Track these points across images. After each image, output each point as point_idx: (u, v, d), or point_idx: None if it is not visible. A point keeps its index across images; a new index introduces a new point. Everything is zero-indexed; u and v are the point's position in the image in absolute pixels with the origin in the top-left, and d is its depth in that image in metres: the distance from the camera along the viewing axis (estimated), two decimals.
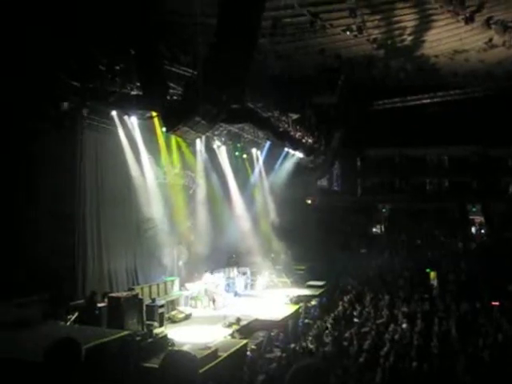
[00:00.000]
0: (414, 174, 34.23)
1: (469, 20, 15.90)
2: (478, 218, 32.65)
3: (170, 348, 12.90)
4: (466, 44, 18.55)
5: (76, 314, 13.82)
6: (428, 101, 26.28)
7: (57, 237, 13.66)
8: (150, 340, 13.39)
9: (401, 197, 32.97)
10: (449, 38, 18.19)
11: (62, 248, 14.26)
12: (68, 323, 13.48)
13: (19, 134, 12.56)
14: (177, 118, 14.59)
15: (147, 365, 11.95)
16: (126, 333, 12.71)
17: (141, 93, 14.59)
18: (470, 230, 32.17)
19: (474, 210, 32.66)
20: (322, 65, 21.25)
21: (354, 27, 16.85)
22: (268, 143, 25.01)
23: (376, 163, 34.77)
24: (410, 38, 18.48)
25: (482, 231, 31.92)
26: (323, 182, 33.75)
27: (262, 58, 17.30)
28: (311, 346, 14.46)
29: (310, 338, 15.36)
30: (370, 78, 23.19)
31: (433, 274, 25.00)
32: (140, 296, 16.03)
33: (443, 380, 10.84)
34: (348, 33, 17.12)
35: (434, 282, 24.49)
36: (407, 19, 16.85)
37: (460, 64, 20.81)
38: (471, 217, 32.82)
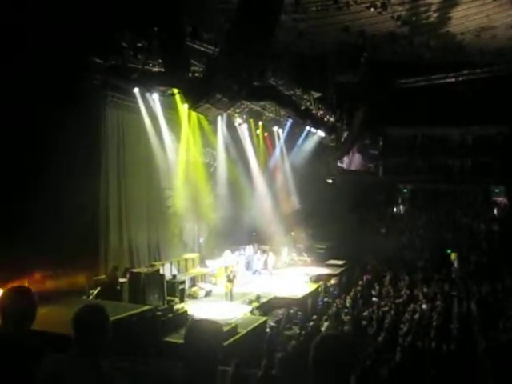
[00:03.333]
0: (437, 154, 33.85)
1: None
2: (501, 200, 32.25)
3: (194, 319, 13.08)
4: (494, 21, 18.13)
5: (98, 289, 14.05)
6: (453, 79, 25.85)
7: (80, 212, 13.80)
8: (170, 315, 13.56)
9: (422, 177, 32.67)
10: (476, 15, 17.78)
11: (85, 223, 14.42)
12: (90, 298, 13.71)
13: (42, 110, 12.62)
14: (198, 94, 14.59)
15: (167, 339, 12.13)
16: (146, 308, 12.90)
17: (163, 70, 14.59)
18: (493, 211, 31.79)
19: (496, 191, 32.24)
20: (345, 42, 20.97)
21: (378, 4, 16.55)
22: (290, 121, 24.87)
23: (398, 143, 34.43)
24: (435, 15, 18.11)
25: (505, 213, 31.52)
26: (345, 161, 33.56)
27: (284, 35, 17.12)
28: (330, 324, 14.53)
29: (328, 317, 15.41)
30: (394, 55, 22.85)
31: (453, 255, 24.85)
32: (161, 272, 16.22)
33: (462, 361, 10.81)
34: (372, 9, 16.83)
35: (455, 263, 24.36)
36: None
37: (487, 42, 20.37)
38: (494, 198, 32.42)
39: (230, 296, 17.23)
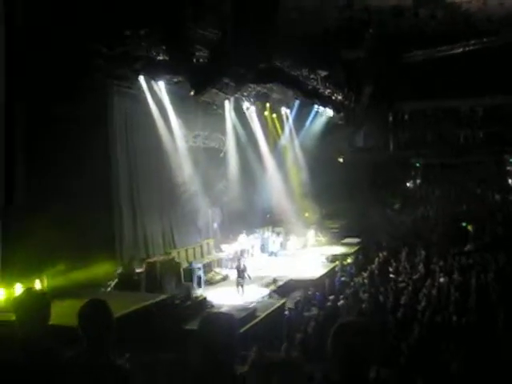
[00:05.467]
0: (448, 127, 33.47)
1: None
2: None
3: (208, 310, 13.13)
4: None
5: (116, 281, 14.14)
6: (460, 50, 25.46)
7: (92, 205, 13.82)
8: (188, 303, 13.63)
9: (434, 151, 32.36)
10: None
11: (99, 216, 14.45)
12: (108, 289, 13.80)
13: (48, 100, 12.60)
14: (204, 80, 14.52)
15: (187, 327, 12.19)
16: (164, 296, 12.96)
17: (167, 57, 14.49)
18: (507, 181, 31.51)
19: (510, 160, 31.90)
20: (350, 18, 20.71)
21: None
22: (297, 102, 24.70)
23: (408, 117, 34.10)
24: None
25: None
26: (355, 139, 33.30)
27: (287, 15, 16.93)
28: (348, 303, 14.53)
29: (346, 296, 15.42)
30: (400, 29, 22.54)
31: (469, 227, 24.69)
32: (177, 259, 16.27)
33: (482, 334, 10.77)
34: None
35: (471, 235, 24.20)
36: None
37: (494, 9, 20.02)
38: (508, 168, 32.10)
39: (242, 291, 15.74)
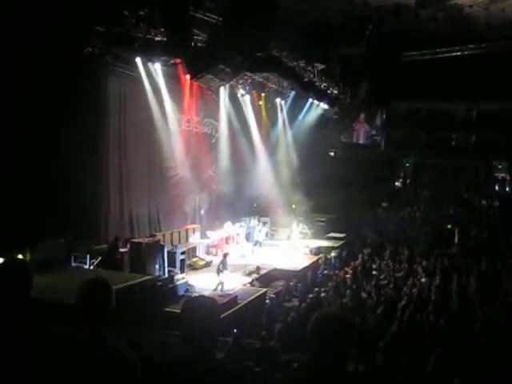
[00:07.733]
0: (440, 129, 33.56)
1: None
2: (503, 176, 32.15)
3: (190, 294, 13.19)
4: None
5: (99, 259, 14.13)
6: (459, 53, 25.49)
7: (81, 183, 13.79)
8: (170, 286, 13.65)
9: (425, 151, 32.48)
10: None
11: (86, 193, 14.42)
12: (91, 267, 13.79)
13: (43, 79, 12.51)
14: (201, 65, 14.45)
15: (168, 309, 12.23)
16: (147, 278, 12.98)
17: (165, 39, 14.41)
18: (494, 187, 31.74)
19: (499, 167, 32.12)
20: (350, 13, 20.68)
21: None
22: (292, 93, 24.66)
23: (402, 116, 34.16)
24: None
25: (507, 189, 31.50)
26: (347, 134, 33.38)
27: (288, 5, 16.87)
28: (329, 297, 14.62)
29: (328, 289, 15.50)
30: (399, 28, 22.53)
31: (454, 230, 24.88)
32: (162, 242, 16.27)
33: (459, 335, 10.89)
34: None
35: (455, 238, 24.39)
36: None
37: (495, 15, 20.05)
38: (496, 174, 32.32)
39: (221, 287, 14.82)
